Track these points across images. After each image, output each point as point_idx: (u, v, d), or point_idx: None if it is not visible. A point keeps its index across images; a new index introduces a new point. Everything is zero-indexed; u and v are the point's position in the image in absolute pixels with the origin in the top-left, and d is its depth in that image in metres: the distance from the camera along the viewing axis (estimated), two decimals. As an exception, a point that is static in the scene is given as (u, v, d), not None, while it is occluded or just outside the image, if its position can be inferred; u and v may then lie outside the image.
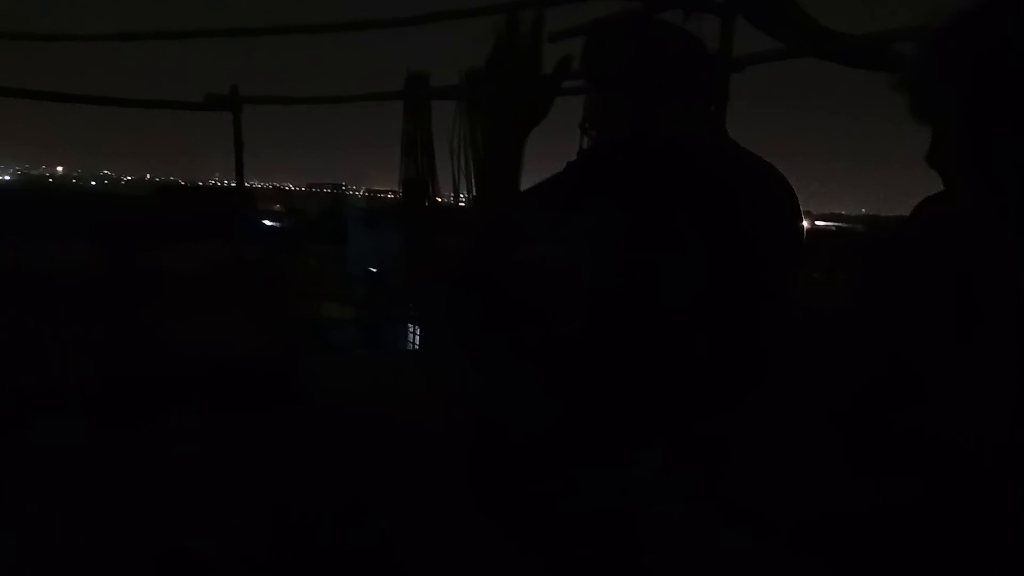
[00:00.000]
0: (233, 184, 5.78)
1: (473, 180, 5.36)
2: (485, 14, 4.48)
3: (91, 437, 2.20)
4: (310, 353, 3.59)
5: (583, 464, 1.23)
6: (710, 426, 1.23)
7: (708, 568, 1.03)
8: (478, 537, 1.37)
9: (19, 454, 2.06)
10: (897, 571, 0.72)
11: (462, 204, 5.54)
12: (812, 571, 0.86)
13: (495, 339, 1.33)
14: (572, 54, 1.29)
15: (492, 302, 1.35)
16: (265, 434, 2.31)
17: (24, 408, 2.30)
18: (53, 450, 2.10)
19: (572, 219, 1.38)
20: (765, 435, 1.16)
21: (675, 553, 1.10)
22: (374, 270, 7.04)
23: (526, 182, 1.34)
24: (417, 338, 5.76)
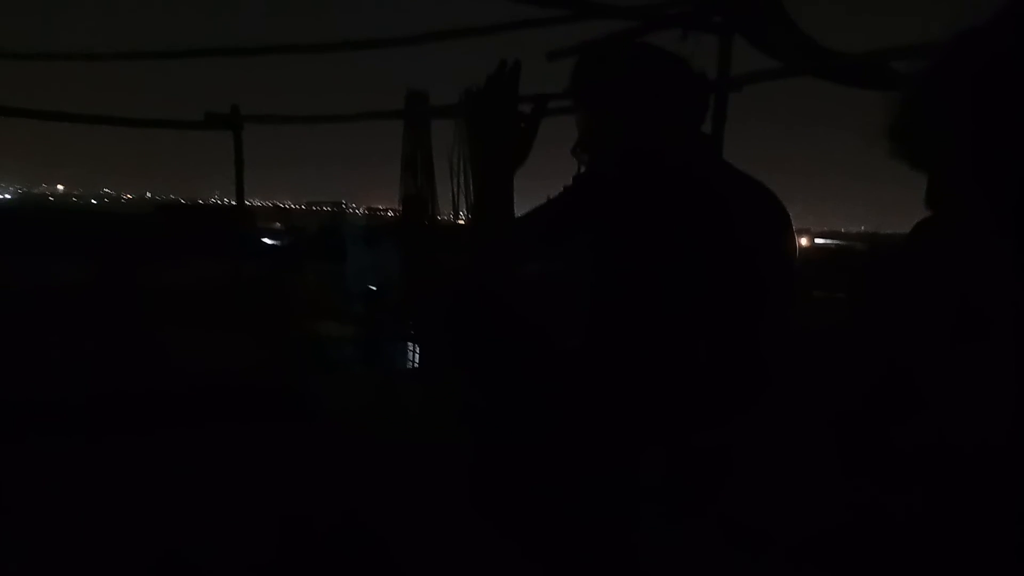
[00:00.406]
0: (233, 203, 5.81)
1: (472, 199, 5.38)
2: (483, 34, 4.53)
3: (91, 450, 2.20)
4: (309, 370, 3.60)
5: (584, 476, 1.23)
6: (711, 439, 1.23)
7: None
8: (478, 552, 1.37)
9: (21, 467, 2.06)
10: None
11: (461, 221, 5.56)
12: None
13: (493, 355, 1.34)
14: (548, 94, 1.38)
15: (490, 318, 1.36)
16: (263, 449, 2.30)
17: (26, 421, 2.32)
18: (54, 463, 2.10)
19: (572, 235, 1.39)
20: (765, 450, 1.16)
21: (676, 566, 1.09)
22: (373, 288, 7.05)
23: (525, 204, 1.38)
24: (416, 355, 5.75)
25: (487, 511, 1.36)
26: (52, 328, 3.08)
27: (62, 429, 2.31)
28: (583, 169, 1.42)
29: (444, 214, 5.80)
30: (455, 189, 5.48)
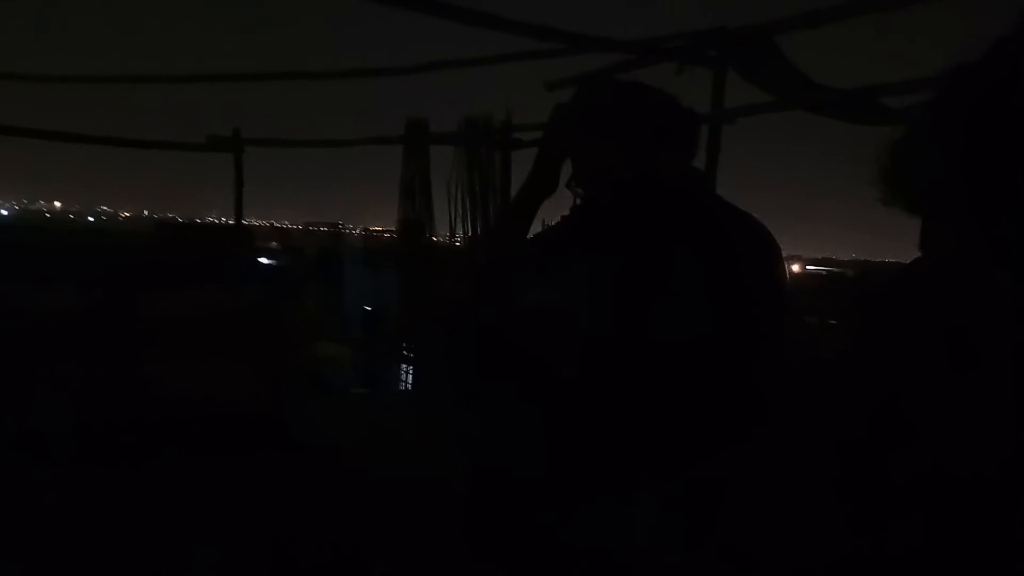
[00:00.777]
0: (231, 221, 5.83)
1: (471, 223, 5.44)
2: (483, 64, 4.61)
3: (85, 480, 2.20)
4: (305, 396, 3.59)
5: (581, 507, 1.24)
6: (708, 470, 1.24)
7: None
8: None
9: (15, 495, 2.06)
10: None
11: (457, 243, 5.60)
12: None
13: (491, 385, 1.36)
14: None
15: (488, 348, 1.38)
16: (258, 479, 2.30)
17: (20, 450, 2.31)
18: (47, 492, 2.10)
19: (568, 265, 1.41)
20: (763, 480, 1.17)
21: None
22: (369, 308, 7.04)
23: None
24: (412, 379, 5.75)
25: (482, 543, 1.37)
26: (47, 356, 3.08)
27: (55, 458, 2.31)
28: (579, 202, 1.45)
29: (441, 236, 5.85)
30: (452, 213, 5.54)
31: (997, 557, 0.61)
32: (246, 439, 2.61)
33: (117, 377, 3.03)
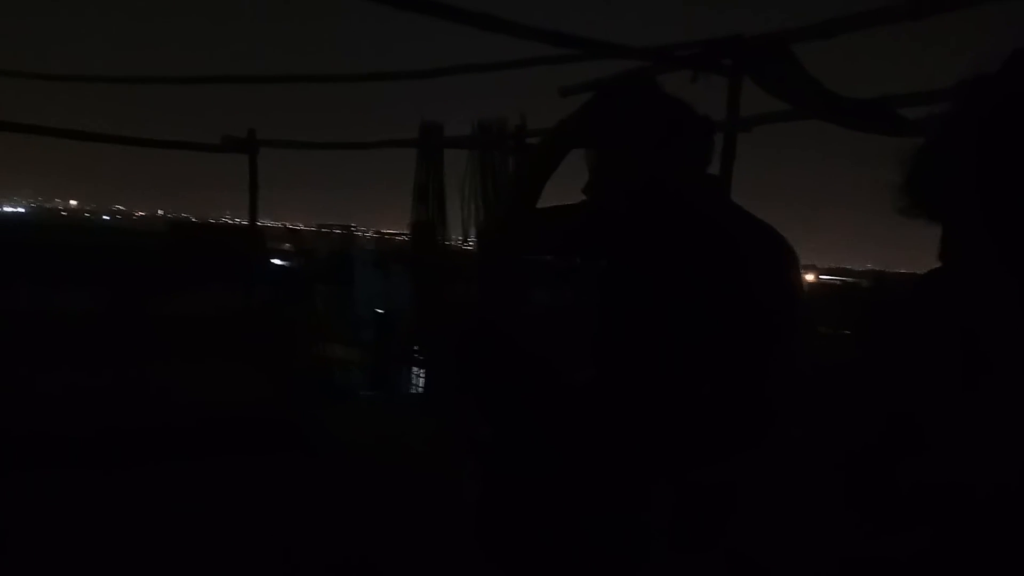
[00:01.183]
0: (244, 222, 5.86)
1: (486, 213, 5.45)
2: (498, 69, 4.62)
3: (96, 483, 2.21)
4: (316, 399, 3.60)
5: (592, 512, 1.24)
6: (718, 475, 1.24)
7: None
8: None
9: (26, 499, 2.07)
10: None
11: (470, 247, 5.62)
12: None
13: (502, 389, 1.36)
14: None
15: (499, 353, 1.39)
16: (269, 482, 2.31)
17: (28, 452, 2.33)
18: (59, 495, 2.11)
19: (581, 267, 1.42)
20: (773, 486, 1.17)
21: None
22: (381, 311, 7.05)
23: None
24: (423, 382, 5.75)
25: (493, 546, 1.37)
26: (59, 359, 3.11)
27: (68, 462, 2.33)
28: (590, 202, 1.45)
29: (453, 239, 5.87)
30: (465, 217, 5.56)
31: (1013, 566, 0.61)
32: (257, 442, 2.63)
33: (127, 381, 3.05)
